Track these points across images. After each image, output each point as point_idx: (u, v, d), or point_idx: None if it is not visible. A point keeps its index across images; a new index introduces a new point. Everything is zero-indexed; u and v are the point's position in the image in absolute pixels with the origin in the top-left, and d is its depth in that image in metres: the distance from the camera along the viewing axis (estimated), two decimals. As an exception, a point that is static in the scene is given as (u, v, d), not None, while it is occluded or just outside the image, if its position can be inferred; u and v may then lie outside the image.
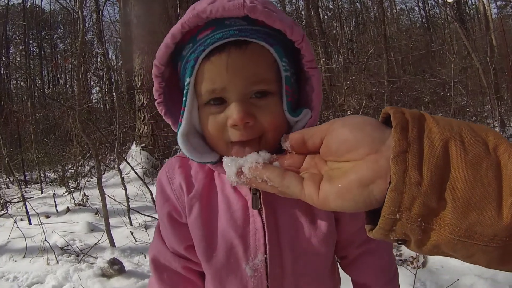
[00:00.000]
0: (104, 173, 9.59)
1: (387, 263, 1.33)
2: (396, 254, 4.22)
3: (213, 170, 1.19)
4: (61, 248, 5.18)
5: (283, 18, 1.00)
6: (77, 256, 5.02)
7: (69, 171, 10.46)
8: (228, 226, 1.15)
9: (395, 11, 29.00)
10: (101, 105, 22.69)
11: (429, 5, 29.49)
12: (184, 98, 1.05)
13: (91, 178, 10.24)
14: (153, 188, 6.98)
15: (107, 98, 20.19)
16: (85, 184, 8.94)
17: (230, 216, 1.15)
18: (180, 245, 1.26)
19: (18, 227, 5.59)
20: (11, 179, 11.53)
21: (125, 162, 7.82)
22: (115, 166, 8.12)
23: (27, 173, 12.05)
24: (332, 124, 0.72)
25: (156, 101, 1.13)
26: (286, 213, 1.16)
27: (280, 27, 0.99)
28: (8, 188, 10.80)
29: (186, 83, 1.03)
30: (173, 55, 1.08)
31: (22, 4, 28.29)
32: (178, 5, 10.74)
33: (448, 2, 11.94)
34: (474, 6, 24.83)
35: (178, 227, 1.24)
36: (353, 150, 0.66)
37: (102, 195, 5.14)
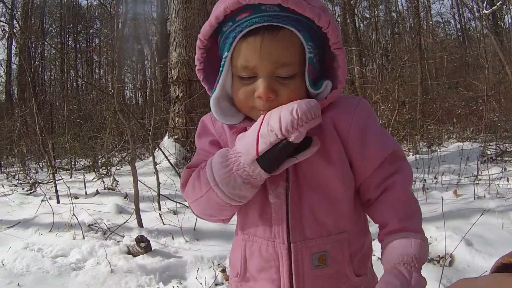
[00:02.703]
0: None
1: (404, 199, 1.32)
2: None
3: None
4: (88, 226, 5.23)
5: (312, 6, 1.17)
6: (104, 233, 5.06)
7: (101, 160, 10.59)
8: None
9: (431, 22, 28.71)
10: (134, 102, 23.11)
11: (465, 18, 29.22)
12: (221, 68, 1.26)
13: (121, 166, 10.35)
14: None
15: (140, 93, 20.54)
16: (114, 172, 9.02)
17: None
18: None
19: (47, 200, 5.65)
20: (41, 165, 11.77)
21: (156, 152, 7.90)
22: (148, 154, 8.18)
23: (57, 160, 12.22)
24: None
25: (197, 68, 1.35)
26: None
27: (310, 15, 1.17)
28: (37, 173, 10.97)
29: (224, 56, 1.24)
30: (215, 30, 1.29)
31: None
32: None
33: (484, 13, 11.80)
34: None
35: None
36: None
37: (134, 175, 5.19)
